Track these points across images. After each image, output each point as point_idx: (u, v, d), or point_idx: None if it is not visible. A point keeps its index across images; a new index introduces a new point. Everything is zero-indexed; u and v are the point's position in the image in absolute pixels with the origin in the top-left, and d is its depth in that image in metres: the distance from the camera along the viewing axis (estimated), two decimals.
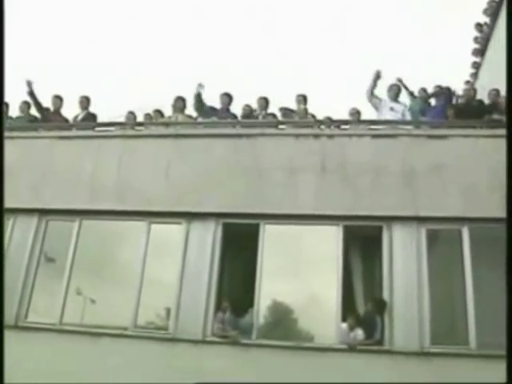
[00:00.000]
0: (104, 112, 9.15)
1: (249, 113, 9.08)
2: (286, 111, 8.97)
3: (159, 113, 9.33)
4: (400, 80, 9.30)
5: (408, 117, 8.66)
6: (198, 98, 8.93)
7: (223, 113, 9.02)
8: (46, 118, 9.09)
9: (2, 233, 6.35)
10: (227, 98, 9.07)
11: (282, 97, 9.21)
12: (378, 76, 8.87)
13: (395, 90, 8.96)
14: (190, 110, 9.24)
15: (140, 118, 9.49)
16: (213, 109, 9.14)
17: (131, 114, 9.20)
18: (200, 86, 8.87)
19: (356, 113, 8.62)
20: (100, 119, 9.22)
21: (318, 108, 8.83)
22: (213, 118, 8.92)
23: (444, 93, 8.92)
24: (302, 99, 9.07)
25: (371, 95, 8.88)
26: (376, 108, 8.89)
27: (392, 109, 8.68)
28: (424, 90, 9.22)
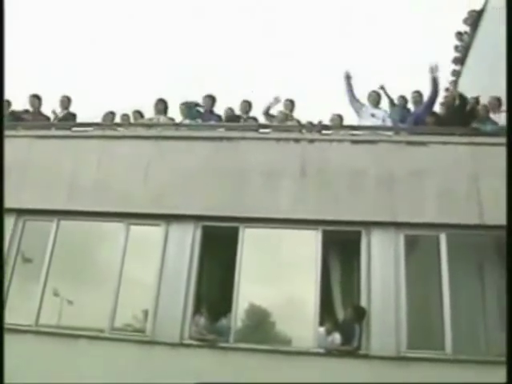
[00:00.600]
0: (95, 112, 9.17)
1: (231, 116, 9.11)
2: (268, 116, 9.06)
3: (139, 114, 9.37)
4: (382, 87, 9.43)
5: (389, 123, 8.75)
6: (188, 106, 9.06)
7: (207, 115, 9.05)
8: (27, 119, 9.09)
9: (2, 233, 6.36)
10: (210, 99, 9.13)
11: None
12: (348, 77, 9.02)
13: (375, 97, 9.06)
14: (172, 112, 9.29)
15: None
16: (199, 112, 9.19)
17: (111, 114, 9.22)
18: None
19: (337, 118, 8.70)
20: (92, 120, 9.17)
21: (308, 113, 8.93)
22: (197, 120, 8.96)
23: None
24: (290, 104, 9.15)
25: (352, 99, 9.01)
26: (357, 112, 8.99)
27: (373, 115, 8.78)
28: (403, 97, 9.35)
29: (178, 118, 9.21)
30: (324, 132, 8.39)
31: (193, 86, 9.34)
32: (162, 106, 9.08)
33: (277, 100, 9.02)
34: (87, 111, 9.29)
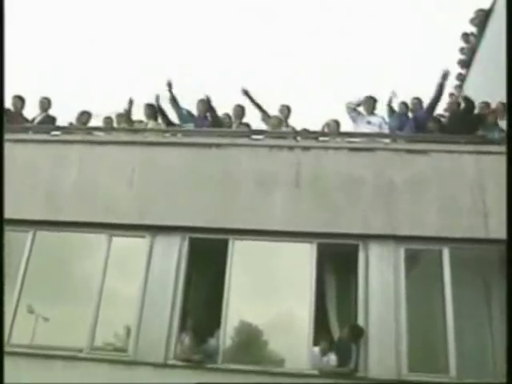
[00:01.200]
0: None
1: (222, 121, 8.94)
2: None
3: (124, 117, 9.19)
4: (394, 93, 9.34)
5: (386, 130, 8.65)
6: (173, 101, 8.93)
7: (200, 120, 8.88)
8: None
9: (2, 234, 6.27)
10: (204, 104, 8.95)
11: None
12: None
13: (370, 103, 8.93)
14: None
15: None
16: (191, 114, 9.06)
17: (86, 115, 8.99)
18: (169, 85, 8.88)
19: (334, 124, 8.55)
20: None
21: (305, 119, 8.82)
22: (189, 125, 8.81)
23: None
24: (286, 110, 9.01)
25: (350, 108, 8.89)
26: (354, 121, 8.87)
27: (369, 122, 8.69)
28: (404, 103, 9.18)
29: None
30: (320, 139, 8.26)
31: (190, 89, 9.16)
32: (150, 110, 8.92)
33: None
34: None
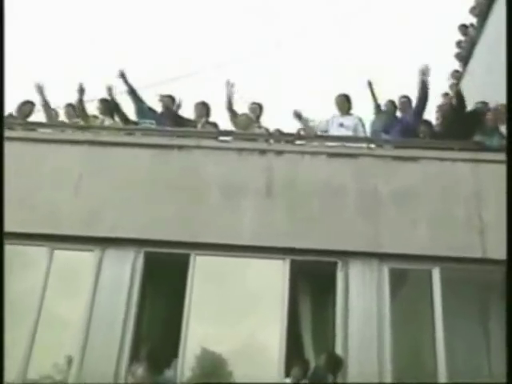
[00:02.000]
0: None
1: (184, 120, 8.68)
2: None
3: (75, 108, 8.76)
4: (370, 83, 9.08)
5: (361, 132, 8.36)
6: (133, 95, 8.61)
7: (163, 118, 8.59)
8: None
9: (2, 236, 6.12)
10: (169, 100, 8.71)
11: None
12: None
13: (343, 101, 8.59)
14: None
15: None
16: (152, 110, 8.80)
17: (29, 105, 8.52)
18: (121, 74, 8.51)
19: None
20: None
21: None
22: (149, 121, 8.50)
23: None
24: (257, 108, 8.77)
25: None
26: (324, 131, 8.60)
27: (341, 124, 8.37)
28: (392, 102, 8.95)
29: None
30: (295, 142, 8.07)
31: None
32: (105, 106, 8.60)
33: (230, 85, 8.57)
34: None
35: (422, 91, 8.35)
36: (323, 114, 8.93)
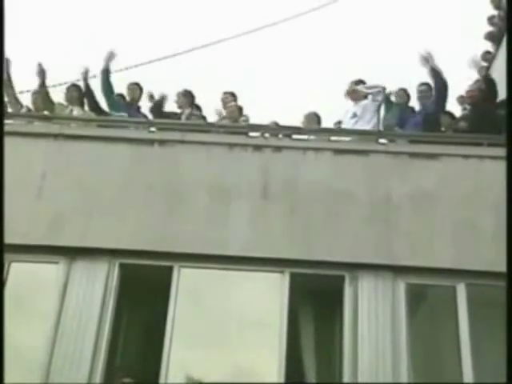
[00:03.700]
0: None
1: (166, 112, 8.69)
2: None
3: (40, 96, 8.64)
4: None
5: (371, 110, 8.30)
6: (105, 76, 8.52)
7: (133, 111, 8.57)
8: None
9: (2, 238, 6.05)
10: (137, 90, 8.67)
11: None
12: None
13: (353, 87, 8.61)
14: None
15: None
16: (124, 100, 8.82)
17: None
18: (111, 55, 8.48)
19: (314, 117, 8.30)
20: None
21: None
22: (121, 114, 8.48)
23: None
24: (230, 97, 8.71)
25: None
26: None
27: (354, 115, 8.36)
28: (404, 90, 8.85)
29: None
30: (295, 137, 7.99)
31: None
32: (76, 93, 8.50)
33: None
34: None
35: (436, 79, 8.25)
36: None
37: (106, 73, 8.63)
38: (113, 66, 8.93)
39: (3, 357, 5.45)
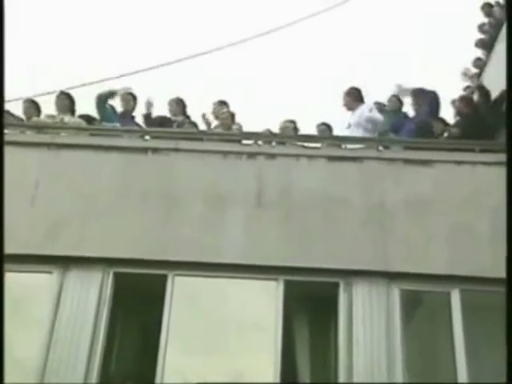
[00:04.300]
0: None
1: (160, 119, 8.72)
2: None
3: (31, 105, 8.67)
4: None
5: (366, 117, 8.33)
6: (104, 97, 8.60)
7: (127, 119, 8.60)
8: None
9: (2, 238, 6.07)
10: (130, 99, 8.70)
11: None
12: None
13: (348, 96, 8.66)
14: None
15: None
16: (115, 111, 8.86)
17: None
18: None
19: (290, 126, 8.43)
20: None
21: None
22: (115, 125, 8.53)
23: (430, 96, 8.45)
24: (220, 106, 8.76)
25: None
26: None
27: (349, 125, 8.46)
28: (396, 97, 8.93)
29: None
30: (289, 144, 8.13)
31: None
32: (66, 101, 8.52)
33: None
34: None
35: (422, 95, 8.47)
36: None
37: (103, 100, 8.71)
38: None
39: (3, 357, 5.47)
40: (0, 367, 5.52)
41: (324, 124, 8.95)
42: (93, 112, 9.11)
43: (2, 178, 6.25)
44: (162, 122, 8.80)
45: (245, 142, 8.15)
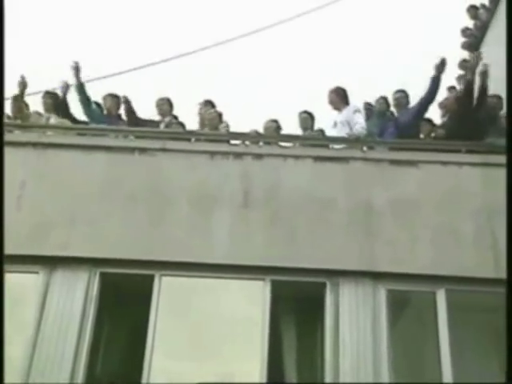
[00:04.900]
0: None
1: (146, 119, 8.67)
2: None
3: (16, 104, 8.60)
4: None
5: (357, 122, 8.20)
6: (81, 91, 8.54)
7: (114, 119, 8.56)
8: None
9: (2, 238, 6.13)
10: (114, 100, 8.66)
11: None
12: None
13: (334, 96, 8.61)
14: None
15: None
16: (102, 110, 8.82)
17: None
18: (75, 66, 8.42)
19: (272, 126, 8.37)
20: None
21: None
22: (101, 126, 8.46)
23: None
24: (205, 106, 8.73)
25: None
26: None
27: (335, 124, 8.40)
28: (384, 98, 8.87)
29: None
30: (274, 144, 8.12)
31: None
32: (50, 100, 8.50)
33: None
34: None
35: (432, 87, 8.29)
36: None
37: (81, 88, 8.66)
38: (84, 77, 8.86)
39: (3, 357, 5.50)
40: (0, 367, 5.55)
41: (306, 112, 8.90)
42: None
43: (2, 177, 6.29)
44: (146, 122, 8.74)
45: (232, 142, 8.11)
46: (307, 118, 8.84)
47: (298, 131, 8.87)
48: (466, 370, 6.52)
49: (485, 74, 8.11)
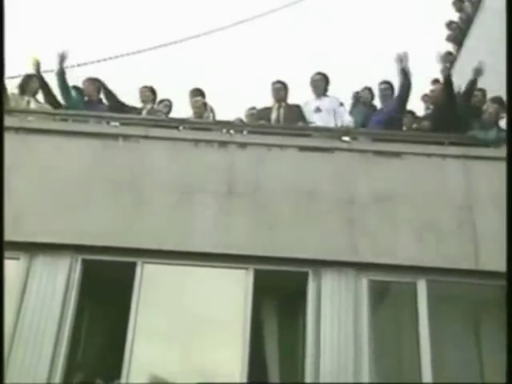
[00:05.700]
0: None
1: (128, 106, 8.63)
2: None
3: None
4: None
5: (343, 115, 8.33)
6: (62, 79, 8.41)
7: (94, 105, 8.49)
8: None
9: (2, 237, 6.03)
10: (95, 84, 8.59)
11: None
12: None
13: (319, 82, 8.62)
14: None
15: None
16: (82, 96, 8.73)
17: None
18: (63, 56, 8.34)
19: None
20: None
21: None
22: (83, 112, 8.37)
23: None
24: (199, 94, 8.65)
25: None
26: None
27: (318, 109, 8.37)
28: (369, 89, 8.92)
29: None
30: (260, 133, 7.98)
31: None
32: (34, 85, 8.37)
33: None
34: None
35: (404, 78, 8.33)
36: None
37: (61, 75, 8.54)
38: (66, 66, 8.73)
39: (3, 357, 5.50)
40: (0, 367, 5.54)
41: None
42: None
43: (2, 177, 6.24)
44: (129, 109, 8.68)
45: (217, 130, 8.07)
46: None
47: None
48: (445, 359, 6.59)
49: (479, 71, 8.24)
